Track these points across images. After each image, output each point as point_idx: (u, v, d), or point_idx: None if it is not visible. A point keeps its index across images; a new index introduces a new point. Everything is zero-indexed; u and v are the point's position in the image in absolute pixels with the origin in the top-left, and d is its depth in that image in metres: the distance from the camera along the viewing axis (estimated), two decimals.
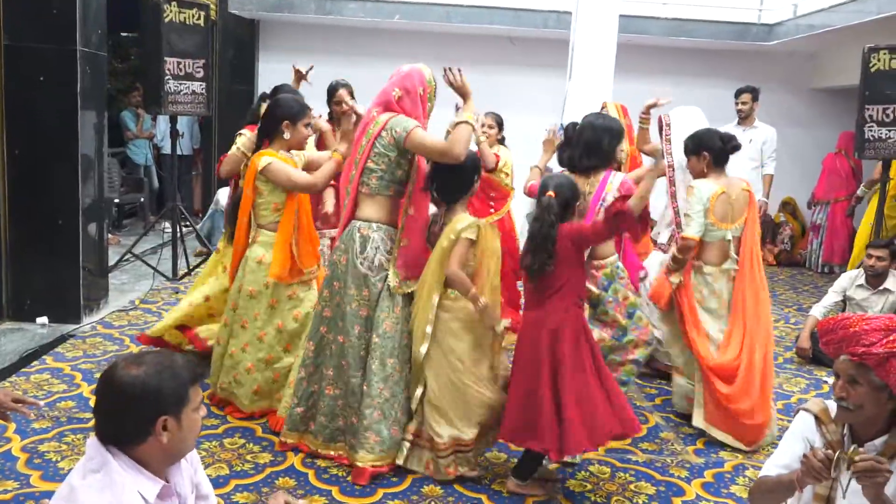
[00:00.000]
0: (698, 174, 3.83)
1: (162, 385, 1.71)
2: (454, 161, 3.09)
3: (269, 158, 3.54)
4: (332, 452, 3.29)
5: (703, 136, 3.81)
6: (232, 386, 3.70)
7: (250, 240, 3.69)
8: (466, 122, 3.10)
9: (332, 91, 4.46)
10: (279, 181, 3.53)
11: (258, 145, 3.70)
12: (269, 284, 3.60)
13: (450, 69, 3.17)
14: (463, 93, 3.20)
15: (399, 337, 3.20)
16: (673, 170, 4.23)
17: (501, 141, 5.15)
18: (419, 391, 3.19)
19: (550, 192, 3.03)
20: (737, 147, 3.80)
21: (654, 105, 4.40)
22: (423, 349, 3.13)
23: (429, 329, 3.12)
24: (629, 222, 2.99)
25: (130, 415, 1.70)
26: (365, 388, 3.16)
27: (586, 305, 3.50)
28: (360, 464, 3.14)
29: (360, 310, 3.20)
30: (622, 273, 3.66)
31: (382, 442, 3.16)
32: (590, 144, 3.57)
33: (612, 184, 3.54)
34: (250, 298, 3.63)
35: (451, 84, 3.19)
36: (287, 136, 3.59)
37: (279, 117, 3.58)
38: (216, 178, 8.96)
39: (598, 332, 3.59)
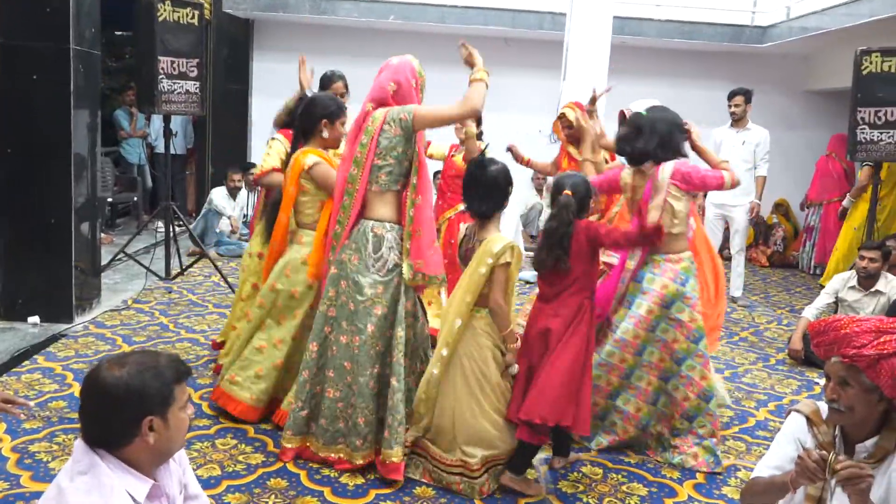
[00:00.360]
0: None
1: (146, 385, 1.70)
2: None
3: (316, 158, 3.52)
4: (332, 455, 3.25)
5: None
6: (248, 381, 3.61)
7: (293, 241, 3.64)
8: (480, 80, 3.08)
9: (326, 81, 4.42)
10: (327, 185, 3.50)
11: (294, 145, 3.70)
12: (314, 285, 3.57)
13: (464, 44, 3.18)
14: (472, 63, 3.16)
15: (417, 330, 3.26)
16: None
17: (479, 136, 5.12)
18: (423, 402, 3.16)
19: (568, 192, 3.09)
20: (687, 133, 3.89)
21: (595, 99, 4.31)
22: (436, 372, 3.09)
23: (444, 352, 3.08)
24: (652, 240, 3.17)
25: (115, 416, 1.70)
26: (395, 382, 3.14)
27: (657, 307, 3.47)
28: (395, 459, 3.12)
29: (375, 307, 3.17)
30: (695, 270, 3.60)
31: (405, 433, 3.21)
32: (664, 138, 3.52)
33: (662, 179, 3.49)
34: (291, 298, 3.58)
35: (466, 58, 3.18)
36: (325, 134, 3.59)
37: (317, 116, 3.58)
38: (210, 177, 8.96)
39: (672, 333, 3.48)
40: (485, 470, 3.11)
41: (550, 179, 3.71)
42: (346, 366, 3.21)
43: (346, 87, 4.41)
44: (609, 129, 4.41)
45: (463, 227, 3.31)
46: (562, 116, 4.56)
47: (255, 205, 4.58)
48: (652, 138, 3.52)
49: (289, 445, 3.30)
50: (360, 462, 3.20)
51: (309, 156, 3.53)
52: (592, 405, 3.42)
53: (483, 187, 3.12)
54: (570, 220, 3.06)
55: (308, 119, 3.61)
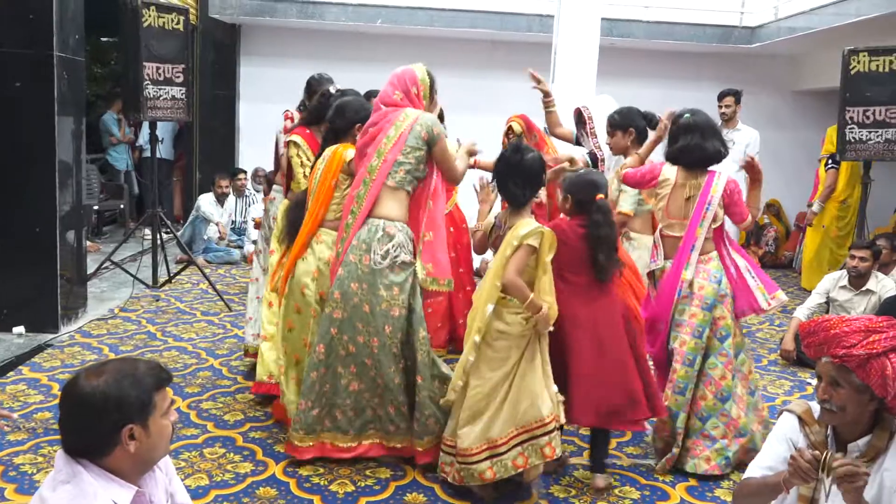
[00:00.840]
0: (621, 150, 3.96)
1: (123, 393, 1.69)
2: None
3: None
4: (364, 442, 3.29)
5: (629, 112, 3.98)
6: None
7: (312, 242, 3.55)
8: (469, 154, 3.46)
9: (315, 86, 4.33)
10: None
11: (323, 146, 3.67)
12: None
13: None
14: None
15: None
16: (603, 161, 4.18)
17: (441, 116, 5.05)
18: (455, 395, 3.12)
19: (601, 195, 3.11)
20: (657, 123, 3.90)
21: (540, 81, 4.32)
22: (472, 358, 3.03)
23: (477, 338, 3.02)
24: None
25: (94, 426, 1.68)
26: (419, 380, 3.20)
27: (700, 310, 3.43)
28: (420, 449, 3.24)
29: (392, 310, 3.18)
30: (724, 269, 3.55)
31: (438, 422, 3.24)
32: (719, 139, 3.52)
33: (717, 185, 3.47)
34: (320, 300, 3.51)
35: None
36: (358, 138, 3.55)
37: (351, 120, 3.60)
38: (197, 183, 8.91)
39: (709, 330, 3.45)
40: (515, 444, 3.01)
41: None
42: (367, 362, 3.24)
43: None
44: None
45: (492, 216, 3.30)
46: (509, 130, 4.56)
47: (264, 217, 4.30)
48: (714, 140, 3.51)
49: (303, 444, 3.27)
50: (397, 445, 3.28)
51: (349, 149, 3.53)
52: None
53: (519, 174, 3.11)
54: (613, 222, 3.14)
55: (342, 121, 3.63)
